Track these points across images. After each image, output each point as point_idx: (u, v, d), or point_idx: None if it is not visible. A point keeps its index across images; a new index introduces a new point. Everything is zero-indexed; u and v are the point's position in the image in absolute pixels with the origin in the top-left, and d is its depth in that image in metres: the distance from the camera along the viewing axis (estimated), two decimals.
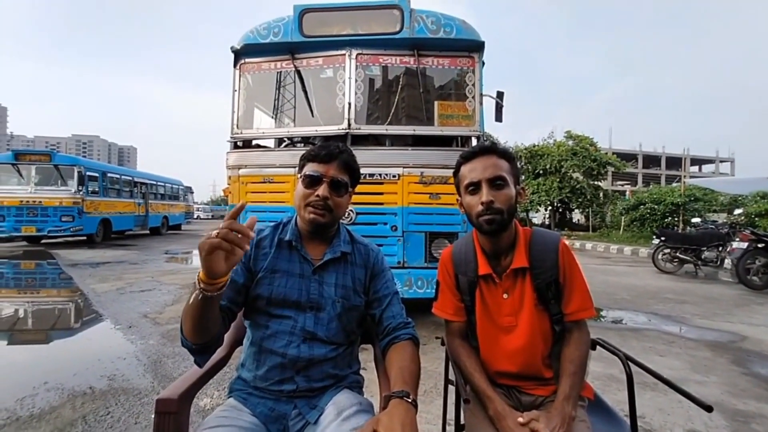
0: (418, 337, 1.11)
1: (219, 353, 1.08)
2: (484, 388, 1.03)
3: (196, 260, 8.78)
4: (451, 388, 1.28)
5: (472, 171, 1.07)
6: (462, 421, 1.15)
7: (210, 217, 41.64)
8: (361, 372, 1.19)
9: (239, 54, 3.70)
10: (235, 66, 3.75)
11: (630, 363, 1.11)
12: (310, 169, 1.07)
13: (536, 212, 21.75)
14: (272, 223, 1.17)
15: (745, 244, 6.12)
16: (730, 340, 3.55)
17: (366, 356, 1.24)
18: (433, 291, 1.24)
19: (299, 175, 1.10)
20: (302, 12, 3.44)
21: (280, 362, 1.01)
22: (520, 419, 0.94)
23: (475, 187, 1.06)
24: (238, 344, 1.20)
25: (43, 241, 10.99)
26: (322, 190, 1.04)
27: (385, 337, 1.09)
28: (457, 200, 1.16)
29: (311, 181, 1.06)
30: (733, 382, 2.62)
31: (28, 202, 9.84)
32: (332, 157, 1.07)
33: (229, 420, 0.94)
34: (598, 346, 1.22)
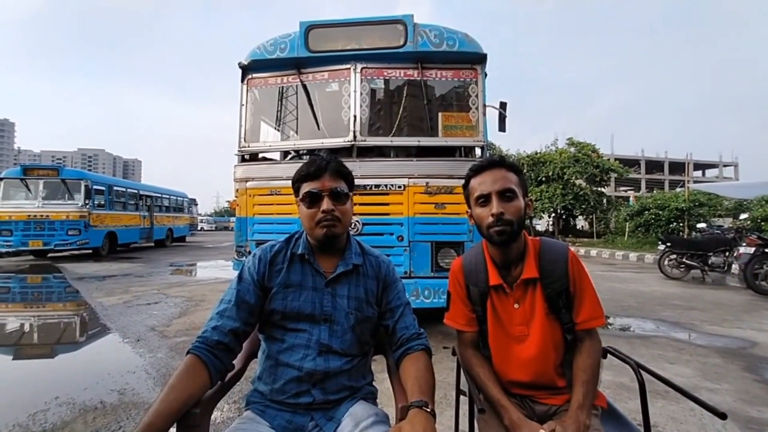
0: (431, 347, 1.13)
1: (234, 366, 1.10)
2: (498, 398, 1.04)
3: (201, 272, 8.81)
4: (463, 399, 1.29)
5: (481, 184, 1.10)
6: (476, 431, 1.15)
7: (213, 228, 41.78)
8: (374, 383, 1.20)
9: (246, 69, 3.78)
10: (242, 81, 3.83)
11: (642, 371, 1.12)
12: (307, 188, 1.09)
13: (540, 219, 21.70)
14: (284, 236, 1.19)
15: (752, 249, 6.09)
16: (741, 346, 3.52)
17: (376, 367, 1.25)
18: (441, 301, 1.26)
19: (298, 198, 1.13)
20: (308, 28, 3.53)
21: (297, 375, 1.02)
22: (542, 431, 0.94)
23: (485, 200, 1.09)
24: (253, 357, 1.22)
25: (49, 254, 11.07)
26: (325, 204, 1.07)
27: (399, 348, 1.10)
28: (467, 212, 1.18)
29: (312, 199, 1.08)
30: (745, 389, 2.59)
31: (35, 216, 9.94)
32: (323, 171, 1.09)
33: None
34: (608, 355, 1.23)
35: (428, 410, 0.88)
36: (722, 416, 0.92)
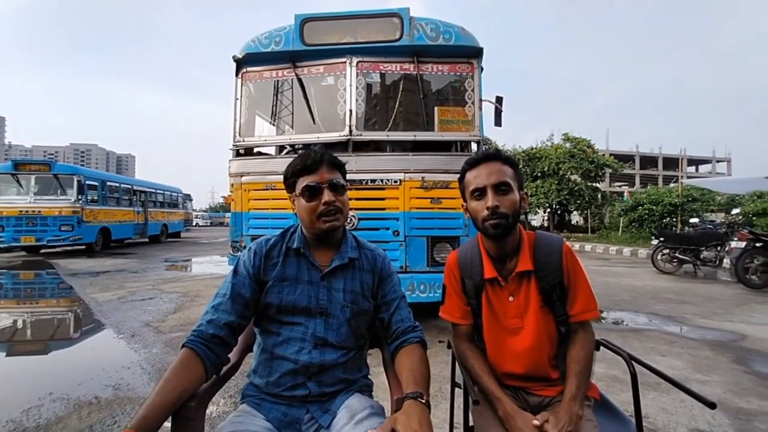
0: (426, 340, 1.13)
1: (230, 360, 1.10)
2: (492, 389, 1.05)
3: (196, 268, 8.78)
4: (458, 391, 1.30)
5: (477, 177, 1.10)
6: (470, 423, 1.16)
7: (209, 224, 41.54)
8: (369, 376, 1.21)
9: (241, 63, 3.74)
10: (237, 74, 3.79)
11: (634, 363, 1.13)
12: (305, 181, 1.08)
13: (535, 214, 21.81)
14: (278, 231, 1.19)
15: (743, 244, 6.16)
16: (731, 339, 3.57)
17: (371, 361, 1.26)
18: (436, 295, 1.27)
19: (295, 193, 1.11)
20: (303, 21, 3.49)
21: (292, 368, 1.02)
22: (535, 422, 0.95)
23: (480, 193, 1.09)
24: (248, 351, 1.22)
25: (42, 250, 10.96)
26: (326, 195, 1.06)
27: (394, 341, 1.11)
28: (463, 206, 1.19)
29: (312, 193, 1.07)
30: (735, 380, 2.64)
31: (27, 211, 9.82)
32: (319, 163, 1.09)
33: (243, 425, 0.95)
34: (601, 347, 1.24)
35: (423, 401, 0.89)
36: (712, 406, 0.94)
